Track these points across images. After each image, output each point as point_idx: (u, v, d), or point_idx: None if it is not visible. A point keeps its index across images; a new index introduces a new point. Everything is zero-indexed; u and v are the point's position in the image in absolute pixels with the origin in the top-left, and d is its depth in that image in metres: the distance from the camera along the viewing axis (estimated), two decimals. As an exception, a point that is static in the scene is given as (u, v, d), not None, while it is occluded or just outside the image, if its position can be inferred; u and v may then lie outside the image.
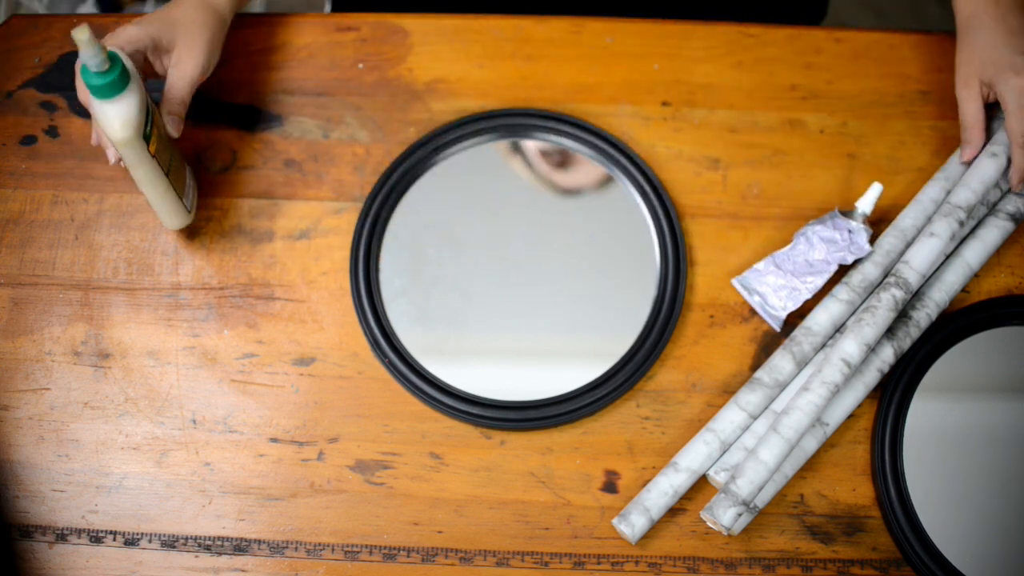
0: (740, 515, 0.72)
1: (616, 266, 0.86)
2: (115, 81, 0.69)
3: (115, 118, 0.71)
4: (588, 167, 0.88)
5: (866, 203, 0.83)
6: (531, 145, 0.89)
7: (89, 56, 0.67)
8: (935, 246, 0.80)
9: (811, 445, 0.78)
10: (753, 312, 0.84)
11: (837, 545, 0.78)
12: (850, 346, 0.76)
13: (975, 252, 0.83)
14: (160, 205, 0.81)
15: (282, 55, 0.91)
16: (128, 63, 0.72)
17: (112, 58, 0.69)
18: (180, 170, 0.81)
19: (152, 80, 0.82)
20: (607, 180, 0.88)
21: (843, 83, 0.91)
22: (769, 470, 0.73)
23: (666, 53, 0.91)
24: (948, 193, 0.84)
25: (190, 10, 0.82)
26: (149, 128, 0.73)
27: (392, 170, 0.87)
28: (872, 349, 0.77)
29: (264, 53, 0.91)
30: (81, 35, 0.65)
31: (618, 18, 0.93)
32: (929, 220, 0.83)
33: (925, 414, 0.80)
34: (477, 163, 0.88)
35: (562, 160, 0.89)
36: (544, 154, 0.89)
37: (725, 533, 0.75)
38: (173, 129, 0.79)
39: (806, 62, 0.91)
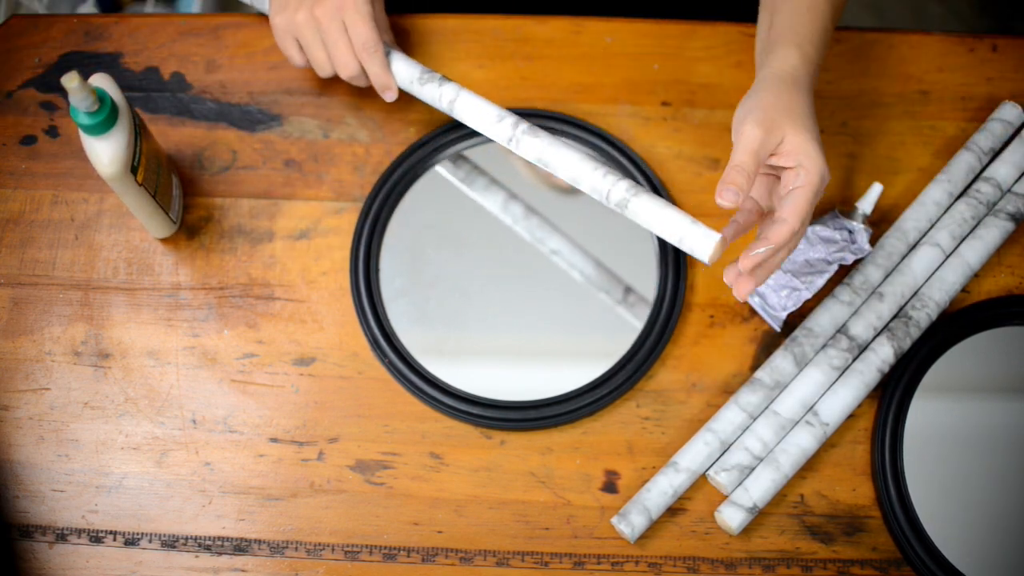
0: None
1: (616, 266, 0.86)
2: (104, 120, 0.72)
3: (103, 154, 0.73)
4: None
5: (866, 203, 0.83)
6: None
7: (79, 100, 0.70)
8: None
9: (811, 445, 0.78)
10: (753, 312, 0.84)
11: (837, 545, 0.78)
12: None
13: (975, 252, 0.83)
14: (147, 221, 0.82)
15: (282, 55, 0.91)
16: (118, 99, 0.74)
17: (101, 97, 0.72)
18: (167, 186, 0.82)
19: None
20: None
21: (843, 83, 0.91)
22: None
23: (666, 53, 0.91)
24: (951, 196, 0.84)
25: None
26: (137, 160, 0.76)
27: (392, 170, 0.87)
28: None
29: (264, 53, 0.91)
30: (71, 83, 0.68)
31: (618, 18, 0.93)
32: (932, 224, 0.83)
33: (925, 414, 0.80)
34: (477, 163, 0.88)
35: None
36: None
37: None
38: None
39: (806, 62, 0.91)
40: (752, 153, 0.66)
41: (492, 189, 0.87)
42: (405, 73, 0.82)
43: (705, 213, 0.87)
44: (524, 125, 0.76)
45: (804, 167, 0.68)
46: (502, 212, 0.86)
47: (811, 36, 0.74)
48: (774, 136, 0.68)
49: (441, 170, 0.87)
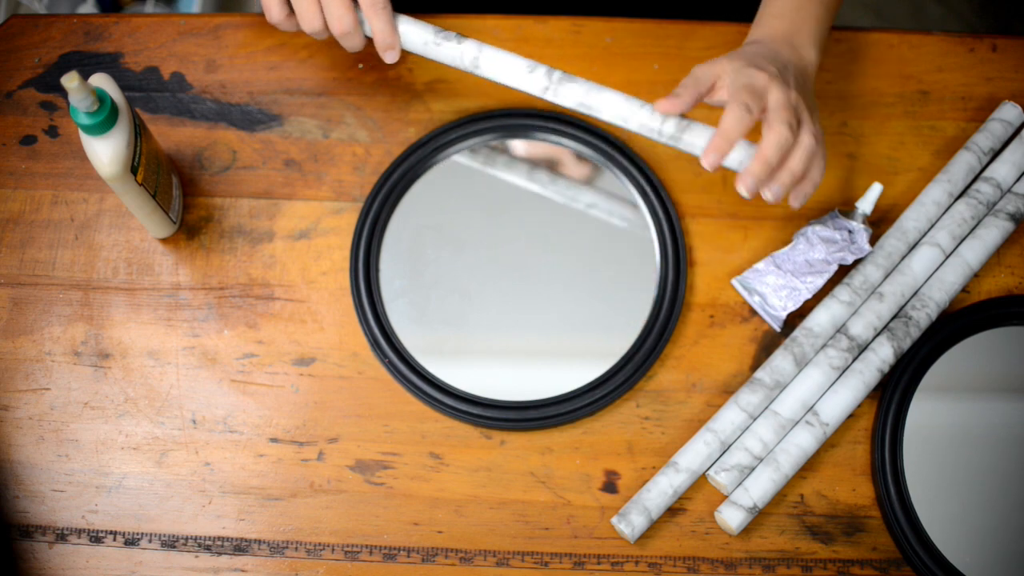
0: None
1: (616, 266, 0.86)
2: (104, 120, 0.72)
3: (103, 154, 0.73)
4: (572, 168, 0.88)
5: (866, 203, 0.83)
6: (518, 146, 0.89)
7: (79, 100, 0.70)
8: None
9: (811, 445, 0.78)
10: (753, 312, 0.84)
11: (837, 545, 0.78)
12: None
13: (975, 252, 0.83)
14: (146, 221, 0.82)
15: (282, 55, 0.91)
16: (118, 99, 0.74)
17: (101, 97, 0.72)
18: (167, 186, 0.82)
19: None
20: (592, 177, 0.88)
21: (843, 83, 0.91)
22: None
23: (666, 53, 0.91)
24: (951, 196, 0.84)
25: None
26: (137, 160, 0.75)
27: (392, 170, 0.87)
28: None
29: (264, 53, 0.91)
30: (71, 83, 0.68)
31: (618, 18, 0.93)
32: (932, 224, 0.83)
33: (925, 414, 0.80)
34: (477, 163, 0.88)
35: (550, 166, 0.89)
36: (531, 160, 0.89)
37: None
38: None
39: (806, 62, 0.91)
40: (712, 72, 0.73)
41: (514, 165, 0.87)
42: (416, 35, 0.79)
43: (705, 213, 0.87)
44: (557, 73, 0.77)
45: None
46: (528, 182, 0.87)
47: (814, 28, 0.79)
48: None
49: (460, 159, 0.87)
